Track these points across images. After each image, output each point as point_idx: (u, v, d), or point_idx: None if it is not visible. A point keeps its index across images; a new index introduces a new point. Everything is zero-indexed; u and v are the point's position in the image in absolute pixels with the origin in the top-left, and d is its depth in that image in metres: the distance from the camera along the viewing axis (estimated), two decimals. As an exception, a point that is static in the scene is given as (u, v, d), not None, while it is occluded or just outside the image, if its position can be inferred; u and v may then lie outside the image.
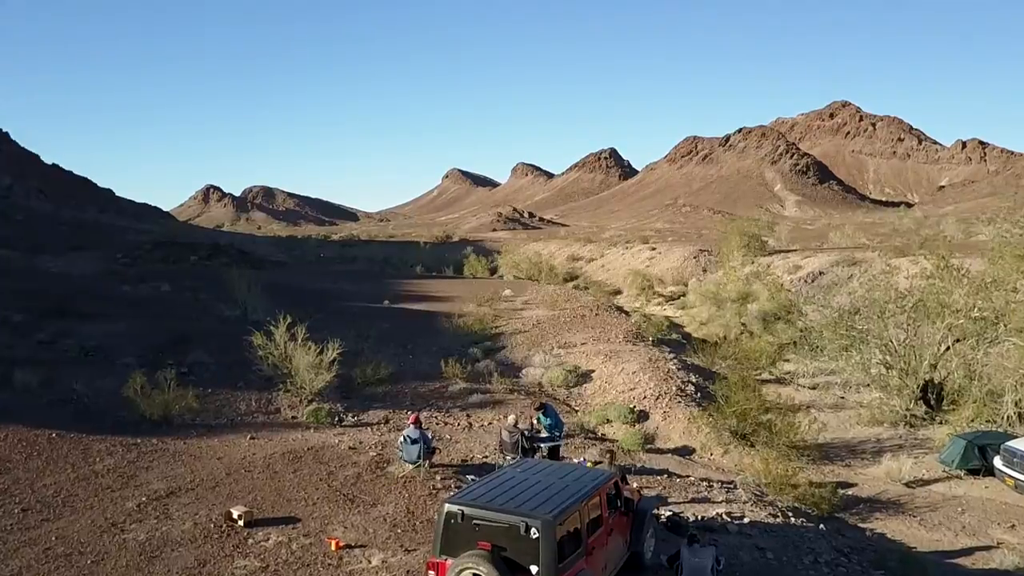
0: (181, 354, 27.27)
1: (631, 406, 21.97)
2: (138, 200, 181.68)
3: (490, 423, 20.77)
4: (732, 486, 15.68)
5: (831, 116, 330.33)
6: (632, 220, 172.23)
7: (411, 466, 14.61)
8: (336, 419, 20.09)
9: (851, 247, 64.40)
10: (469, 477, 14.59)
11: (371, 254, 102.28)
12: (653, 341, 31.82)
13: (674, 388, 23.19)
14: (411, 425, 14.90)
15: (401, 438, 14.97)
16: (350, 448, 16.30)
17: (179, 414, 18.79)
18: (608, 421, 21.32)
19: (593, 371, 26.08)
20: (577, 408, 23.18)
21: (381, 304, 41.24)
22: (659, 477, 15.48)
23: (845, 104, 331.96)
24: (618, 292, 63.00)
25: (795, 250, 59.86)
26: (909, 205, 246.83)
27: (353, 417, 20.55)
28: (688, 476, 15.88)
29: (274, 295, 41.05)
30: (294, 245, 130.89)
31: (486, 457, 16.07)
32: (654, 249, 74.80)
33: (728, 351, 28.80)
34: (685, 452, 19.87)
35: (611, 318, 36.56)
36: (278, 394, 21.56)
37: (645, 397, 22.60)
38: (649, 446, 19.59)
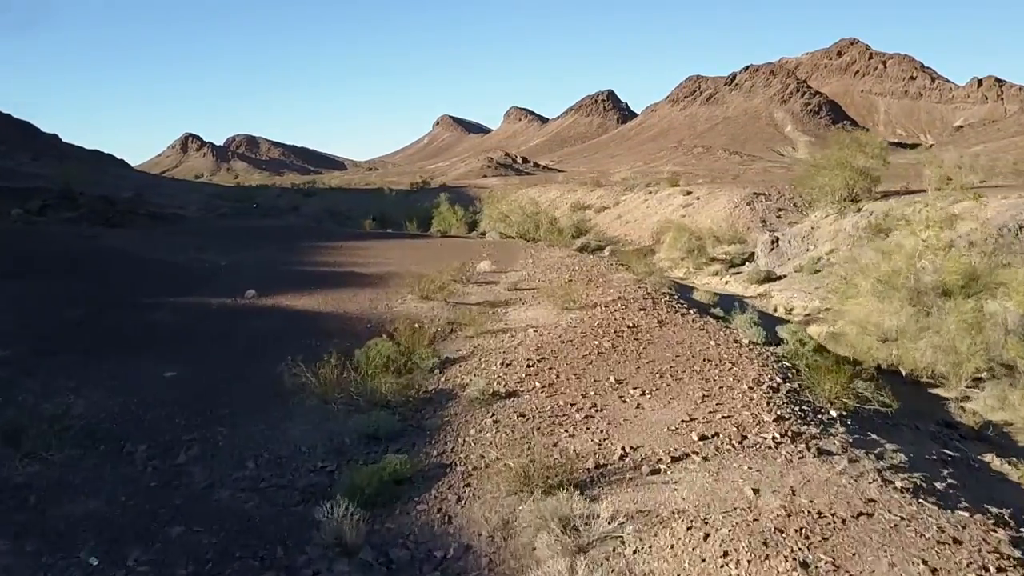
0: None
1: None
2: (104, 149, 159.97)
3: None
4: None
5: (838, 54, 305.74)
6: (638, 163, 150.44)
7: None
8: None
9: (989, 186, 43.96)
10: None
11: (329, 205, 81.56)
12: (840, 414, 11.74)
13: None
14: None
15: None
16: None
17: None
18: None
19: None
20: None
21: (232, 299, 20.77)
22: None
23: (853, 42, 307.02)
24: (650, 251, 42.80)
25: (915, 192, 39.34)
26: (928, 147, 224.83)
27: None
28: None
29: (49, 280, 20.85)
30: (254, 194, 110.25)
31: None
32: (689, 194, 54.14)
33: None
34: None
35: (701, 335, 16.29)
36: None
37: None
38: None
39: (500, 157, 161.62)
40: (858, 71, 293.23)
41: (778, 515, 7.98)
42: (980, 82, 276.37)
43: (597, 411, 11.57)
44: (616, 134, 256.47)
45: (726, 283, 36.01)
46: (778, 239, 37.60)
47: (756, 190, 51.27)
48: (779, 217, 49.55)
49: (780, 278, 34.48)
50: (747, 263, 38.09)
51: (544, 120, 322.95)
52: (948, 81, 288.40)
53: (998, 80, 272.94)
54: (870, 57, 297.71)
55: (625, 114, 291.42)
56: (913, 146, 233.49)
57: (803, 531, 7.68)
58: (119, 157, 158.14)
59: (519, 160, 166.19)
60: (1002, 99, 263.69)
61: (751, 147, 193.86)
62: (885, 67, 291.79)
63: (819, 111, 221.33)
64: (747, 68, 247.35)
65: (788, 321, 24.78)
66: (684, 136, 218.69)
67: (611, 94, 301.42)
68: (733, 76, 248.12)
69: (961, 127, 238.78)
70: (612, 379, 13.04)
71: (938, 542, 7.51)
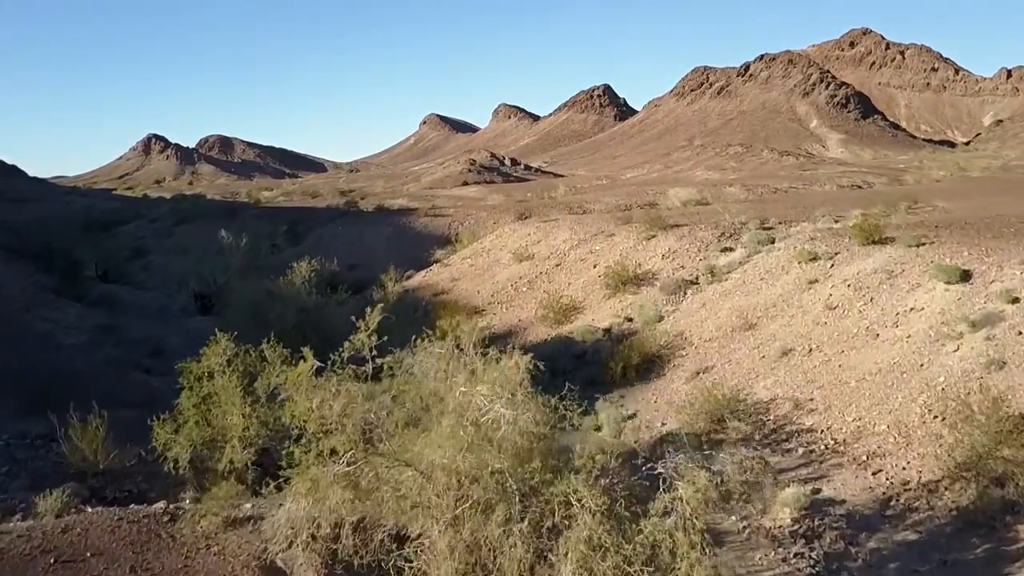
0: None
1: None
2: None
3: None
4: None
5: (851, 45, 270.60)
6: (656, 166, 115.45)
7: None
8: None
9: None
10: None
11: (198, 241, 46.25)
12: None
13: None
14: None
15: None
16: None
17: None
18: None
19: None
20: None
21: None
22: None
23: (867, 32, 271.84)
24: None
25: None
26: (966, 143, 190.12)
27: None
28: None
29: None
30: (129, 213, 75.29)
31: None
32: (968, 278, 18.57)
33: None
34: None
35: None
36: None
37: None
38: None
39: (484, 159, 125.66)
40: (874, 63, 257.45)
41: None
42: (1009, 73, 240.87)
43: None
44: (615, 132, 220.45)
45: None
46: None
47: None
48: None
49: None
50: None
51: (535, 118, 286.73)
52: (972, 73, 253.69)
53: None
54: (886, 48, 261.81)
55: (623, 110, 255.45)
56: (946, 143, 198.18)
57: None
58: (10, 163, 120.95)
59: (506, 162, 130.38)
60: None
61: (774, 144, 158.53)
62: (903, 58, 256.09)
63: (847, 104, 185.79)
64: (762, 57, 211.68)
65: None
66: (694, 133, 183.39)
67: (607, 89, 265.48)
68: (747, 66, 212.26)
69: (1000, 121, 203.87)
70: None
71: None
